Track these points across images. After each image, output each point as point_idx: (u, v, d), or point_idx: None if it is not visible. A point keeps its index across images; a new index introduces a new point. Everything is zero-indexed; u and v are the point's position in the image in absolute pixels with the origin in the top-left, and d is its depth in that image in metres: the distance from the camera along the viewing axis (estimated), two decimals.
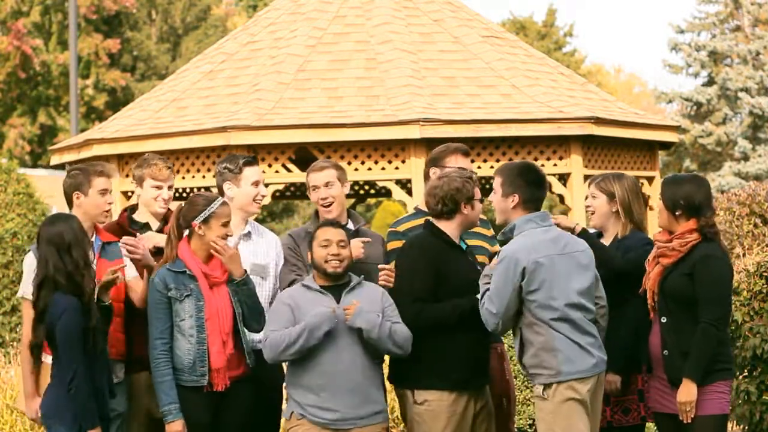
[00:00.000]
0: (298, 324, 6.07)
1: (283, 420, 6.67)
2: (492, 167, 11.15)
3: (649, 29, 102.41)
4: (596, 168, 11.60)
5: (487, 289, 6.01)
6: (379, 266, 6.41)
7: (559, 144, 11.40)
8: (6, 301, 13.65)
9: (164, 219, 6.68)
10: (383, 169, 11.19)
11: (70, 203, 6.49)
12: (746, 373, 7.49)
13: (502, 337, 6.95)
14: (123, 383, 6.41)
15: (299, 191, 14.89)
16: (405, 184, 11.93)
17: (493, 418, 6.47)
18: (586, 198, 6.85)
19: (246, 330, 6.29)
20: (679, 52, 36.64)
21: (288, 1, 13.02)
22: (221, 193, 6.75)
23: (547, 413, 5.97)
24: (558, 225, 6.26)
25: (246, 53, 12.46)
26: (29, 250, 6.39)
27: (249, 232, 6.78)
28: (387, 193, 14.40)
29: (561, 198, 11.58)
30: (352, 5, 12.58)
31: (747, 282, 7.60)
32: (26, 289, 6.27)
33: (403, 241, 6.51)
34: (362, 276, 6.30)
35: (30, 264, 6.25)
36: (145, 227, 6.70)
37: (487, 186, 13.27)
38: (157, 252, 6.47)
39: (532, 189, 6.10)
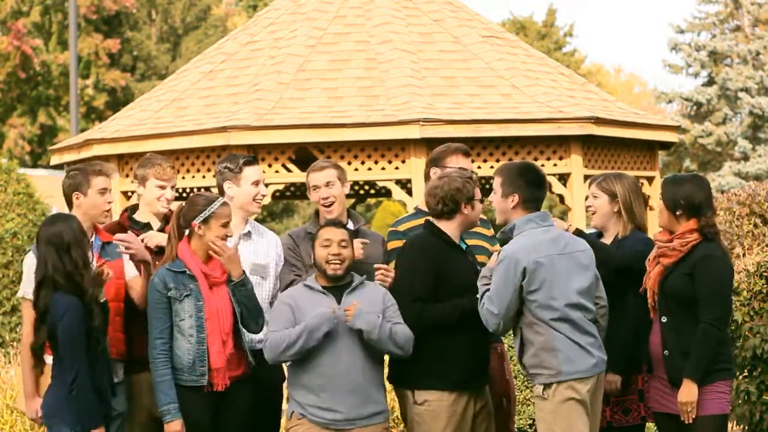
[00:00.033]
0: (298, 324, 6.08)
1: (283, 420, 6.68)
2: (492, 167, 11.15)
3: (649, 29, 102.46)
4: (596, 168, 11.60)
5: (487, 290, 6.01)
6: (375, 265, 6.40)
7: (559, 144, 11.40)
8: (6, 301, 13.65)
9: (165, 219, 6.68)
10: (383, 169, 11.19)
11: (69, 204, 6.48)
12: (746, 373, 7.49)
13: (502, 337, 6.95)
14: (123, 383, 6.40)
15: (299, 191, 14.89)
16: (405, 184, 11.94)
17: (493, 418, 6.48)
18: (587, 198, 6.84)
19: (245, 330, 6.29)
20: (679, 52, 36.66)
21: (288, 1, 13.02)
22: (221, 192, 6.75)
23: (547, 413, 5.97)
24: None
25: (246, 53, 12.46)
26: (29, 250, 6.38)
27: (249, 232, 6.78)
28: (387, 193, 14.41)
29: (561, 198, 11.58)
30: (352, 5, 12.58)
31: (747, 282, 7.60)
32: (26, 289, 6.26)
33: (404, 241, 6.51)
34: (364, 276, 6.30)
35: (30, 264, 6.24)
36: (146, 227, 6.70)
37: (487, 186, 13.27)
38: (160, 251, 6.47)
39: (532, 189, 6.10)
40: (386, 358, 6.29)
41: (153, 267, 6.44)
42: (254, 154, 10.90)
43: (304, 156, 11.29)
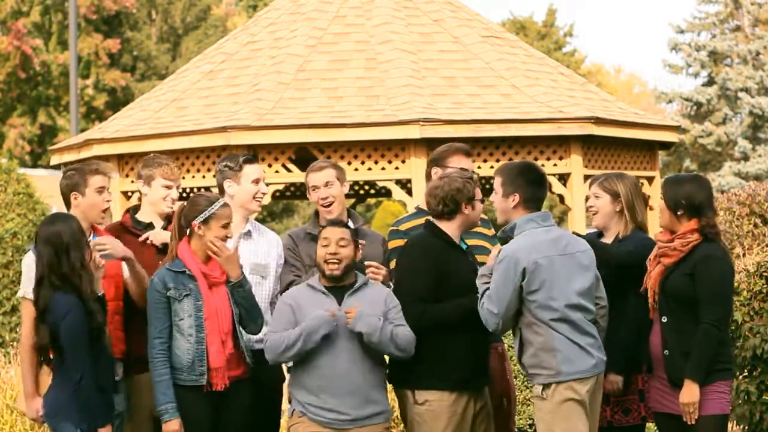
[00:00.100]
0: (298, 324, 6.08)
1: (283, 420, 6.68)
2: (492, 167, 11.14)
3: (649, 29, 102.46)
4: (596, 168, 11.60)
5: (486, 289, 6.01)
6: (366, 263, 6.39)
7: (559, 144, 11.40)
8: (6, 301, 13.65)
9: (168, 219, 6.68)
10: (383, 169, 11.19)
11: (68, 204, 6.47)
12: (746, 373, 7.49)
13: (503, 337, 6.95)
14: (122, 382, 6.40)
15: (299, 191, 14.89)
16: (405, 184, 11.93)
17: (492, 418, 6.48)
18: (587, 199, 6.84)
19: (243, 331, 6.29)
20: (679, 52, 36.66)
21: (288, 1, 13.02)
22: (222, 191, 6.75)
23: (546, 413, 5.97)
24: None
25: (246, 53, 12.46)
26: (29, 250, 6.37)
27: (249, 231, 6.78)
28: (387, 193, 14.40)
29: (561, 198, 11.58)
30: (352, 5, 12.57)
31: (747, 282, 7.60)
32: (26, 288, 6.26)
33: (405, 240, 6.51)
34: (367, 277, 6.30)
35: (29, 264, 6.23)
36: (149, 227, 6.70)
37: (488, 186, 13.27)
38: (166, 249, 6.46)
39: (532, 188, 6.10)
40: (386, 358, 6.29)
41: (137, 261, 6.42)
42: (254, 154, 10.89)
43: (304, 156, 11.28)
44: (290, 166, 11.27)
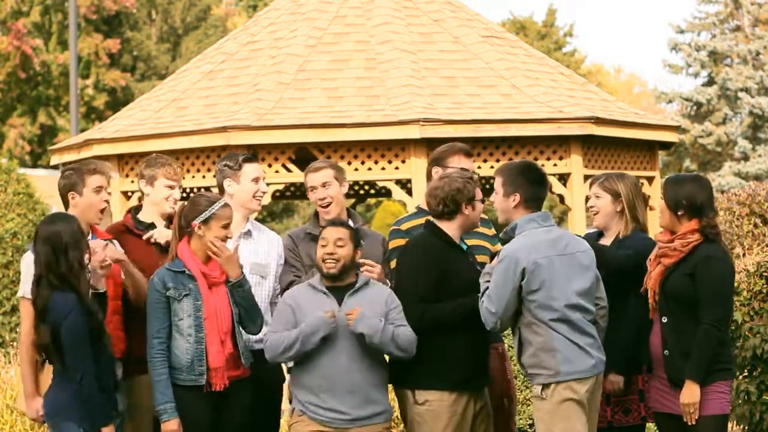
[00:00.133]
0: (298, 324, 6.08)
1: (283, 420, 6.68)
2: (492, 167, 11.14)
3: (649, 29, 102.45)
4: (596, 168, 11.60)
5: (487, 288, 6.01)
6: (360, 260, 6.39)
7: (559, 144, 11.40)
8: (6, 301, 13.65)
9: (170, 219, 6.68)
10: (383, 169, 11.19)
11: (66, 204, 6.46)
12: (746, 373, 7.49)
13: (503, 337, 6.95)
14: (122, 382, 6.40)
15: (299, 191, 14.88)
16: (405, 184, 11.93)
17: (492, 418, 6.48)
18: (587, 199, 6.84)
19: (243, 331, 6.29)
20: (679, 52, 36.66)
21: (288, 1, 13.02)
22: (221, 191, 6.75)
23: (546, 413, 5.97)
24: None
25: (246, 53, 12.46)
26: (28, 250, 6.36)
27: (249, 230, 6.78)
28: (387, 193, 14.40)
29: (561, 198, 11.58)
30: (352, 5, 12.57)
31: (747, 282, 7.60)
32: (25, 288, 6.25)
33: (406, 240, 6.51)
34: (368, 277, 6.30)
35: (28, 263, 6.20)
36: (151, 227, 6.70)
37: (488, 186, 13.27)
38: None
39: (533, 188, 6.10)
40: (386, 357, 6.29)
41: (139, 261, 6.42)
42: (254, 154, 10.90)
43: (304, 156, 11.28)
44: (290, 166, 11.27)
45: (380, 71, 11.71)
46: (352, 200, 15.78)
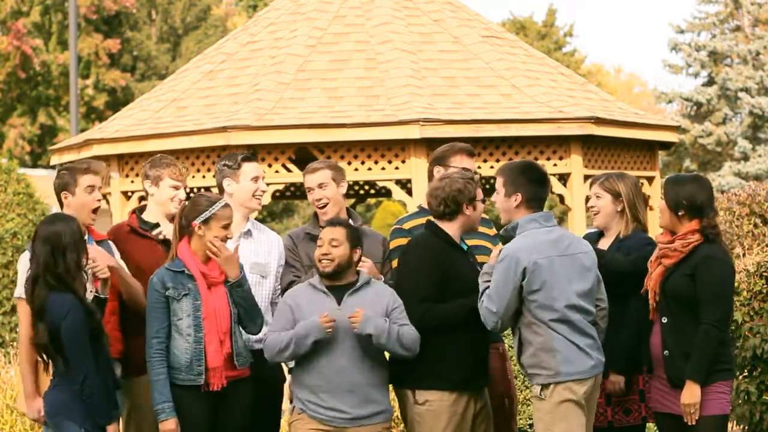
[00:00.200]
0: (297, 324, 6.09)
1: (283, 420, 6.68)
2: (492, 167, 11.15)
3: (649, 29, 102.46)
4: (596, 168, 11.60)
5: (487, 287, 6.01)
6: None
7: (559, 144, 11.40)
8: (6, 301, 13.65)
9: (173, 219, 6.67)
10: (383, 169, 11.19)
11: (61, 204, 6.45)
12: (746, 373, 7.49)
13: (503, 337, 6.95)
14: (121, 381, 6.39)
15: (299, 191, 14.88)
16: (405, 184, 11.93)
17: (492, 418, 6.48)
18: (588, 199, 6.84)
19: (243, 331, 6.29)
20: (679, 52, 36.65)
21: (288, 1, 13.02)
22: (221, 190, 6.75)
23: (545, 413, 5.97)
24: None
25: (246, 53, 12.46)
26: (25, 250, 6.33)
27: (249, 230, 6.78)
28: (387, 193, 14.41)
29: (561, 198, 11.58)
30: (352, 5, 12.58)
31: (747, 282, 7.60)
32: (22, 289, 6.23)
33: (408, 239, 6.51)
34: (369, 277, 6.30)
35: (25, 263, 6.17)
36: (155, 227, 6.69)
37: (488, 186, 13.27)
38: None
39: (534, 187, 6.10)
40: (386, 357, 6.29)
41: (140, 261, 6.42)
42: (254, 154, 10.90)
43: (304, 156, 11.28)
44: (290, 166, 11.27)
45: (380, 71, 11.71)
46: (352, 200, 15.78)
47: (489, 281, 6.03)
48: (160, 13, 43.42)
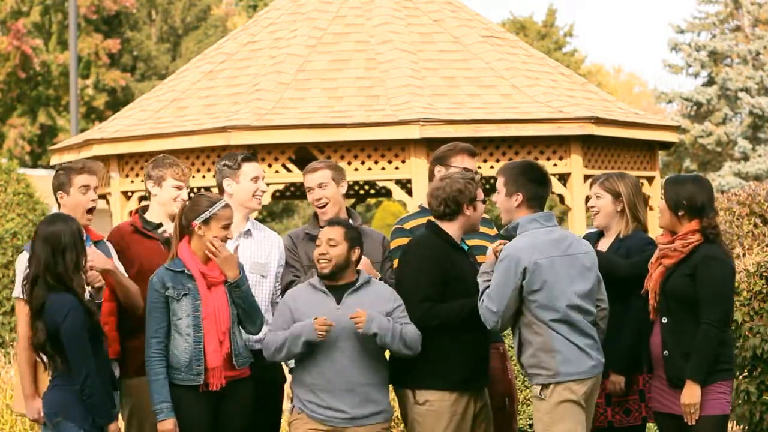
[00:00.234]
0: (296, 324, 6.10)
1: (283, 420, 6.67)
2: (492, 167, 11.16)
3: (649, 29, 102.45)
4: (596, 168, 11.60)
5: (487, 287, 6.01)
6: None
7: (559, 144, 11.40)
8: (6, 301, 13.64)
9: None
10: (383, 169, 11.19)
11: (59, 204, 6.45)
12: (746, 373, 7.49)
13: (504, 337, 6.95)
14: (120, 381, 6.38)
15: (299, 191, 14.88)
16: (405, 184, 11.94)
17: (491, 418, 6.48)
18: (588, 199, 6.83)
19: (242, 331, 6.29)
20: (679, 52, 36.64)
21: (288, 1, 13.02)
22: (221, 190, 6.75)
23: (544, 413, 5.98)
24: None
25: (246, 53, 12.46)
26: (23, 250, 6.32)
27: (249, 230, 6.78)
28: (387, 193, 14.41)
29: (561, 198, 11.58)
30: (352, 5, 12.58)
31: (747, 282, 7.60)
32: (20, 289, 6.21)
33: (409, 239, 6.51)
34: (369, 276, 6.30)
35: (23, 263, 6.16)
36: (158, 227, 6.69)
37: (488, 186, 13.27)
38: None
39: (535, 187, 6.10)
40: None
41: (143, 262, 6.42)
42: (254, 154, 10.90)
43: (304, 156, 11.28)
44: (290, 166, 11.27)
45: (380, 71, 11.71)
46: (352, 200, 15.78)
47: (487, 280, 6.03)
48: (160, 13, 43.42)
